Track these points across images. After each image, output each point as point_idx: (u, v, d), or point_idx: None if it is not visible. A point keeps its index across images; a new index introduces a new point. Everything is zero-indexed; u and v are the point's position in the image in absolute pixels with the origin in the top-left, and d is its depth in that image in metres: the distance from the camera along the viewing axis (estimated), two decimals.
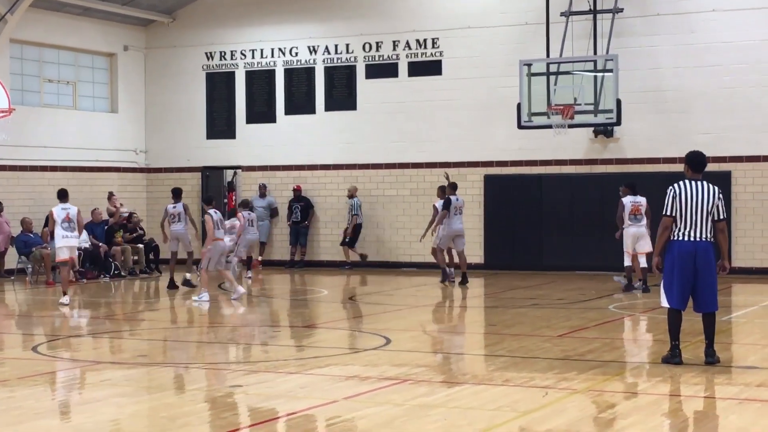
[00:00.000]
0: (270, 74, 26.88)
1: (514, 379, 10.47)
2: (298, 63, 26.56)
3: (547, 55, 22.53)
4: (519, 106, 21.90)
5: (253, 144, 27.01)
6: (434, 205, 21.13)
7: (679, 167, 21.12)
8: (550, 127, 22.11)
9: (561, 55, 22.48)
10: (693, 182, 10.88)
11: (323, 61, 26.28)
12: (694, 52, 22.96)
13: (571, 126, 22.06)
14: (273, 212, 26.66)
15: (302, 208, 26.18)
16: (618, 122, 21.73)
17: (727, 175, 22.43)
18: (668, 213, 10.84)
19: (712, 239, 10.84)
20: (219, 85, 27.37)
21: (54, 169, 25.46)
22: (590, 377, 10.46)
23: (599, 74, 21.83)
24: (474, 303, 18.97)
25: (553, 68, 22.02)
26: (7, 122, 22.81)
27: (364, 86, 25.86)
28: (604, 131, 23.43)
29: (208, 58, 27.47)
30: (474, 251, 23.92)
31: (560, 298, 18.14)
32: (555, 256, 23.79)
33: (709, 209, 10.77)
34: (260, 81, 26.98)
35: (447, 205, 20.37)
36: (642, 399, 9.40)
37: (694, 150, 11.25)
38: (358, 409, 9.12)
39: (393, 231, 25.59)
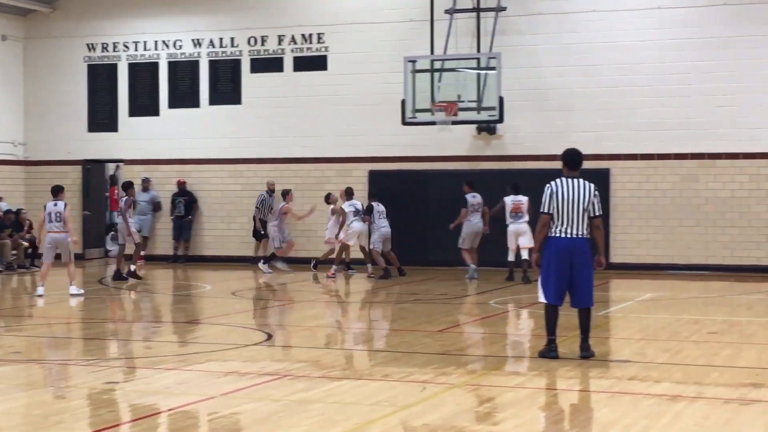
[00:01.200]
0: (153, 67, 26.54)
1: (393, 374, 10.53)
2: (182, 56, 26.28)
3: (432, 52, 22.72)
4: (403, 102, 22.04)
5: (136, 137, 26.64)
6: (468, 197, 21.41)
7: (560, 164, 21.66)
8: (434, 123, 22.33)
9: (445, 52, 22.70)
10: (569, 180, 11.02)
11: (208, 54, 26.05)
12: (575, 51, 23.37)
13: (454, 123, 22.31)
14: (156, 206, 26.33)
15: (186, 202, 25.93)
16: (500, 120, 22.02)
17: (606, 172, 22.91)
18: (545, 210, 10.97)
19: (589, 236, 10.99)
20: (101, 77, 26.92)
21: None
22: (468, 371, 10.59)
23: (482, 72, 22.11)
24: (357, 298, 19.02)
25: (437, 65, 22.22)
26: None
27: (249, 80, 25.71)
28: (487, 128, 23.69)
29: (89, 50, 27.00)
30: (357, 246, 23.92)
31: (442, 294, 18.31)
32: (439, 251, 23.98)
33: (585, 206, 10.88)
34: (143, 74, 26.62)
35: (465, 203, 21.14)
36: (519, 392, 9.54)
37: (569, 148, 11.39)
38: (236, 405, 9.08)
39: None
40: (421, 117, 22.16)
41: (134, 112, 26.67)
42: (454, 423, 8.27)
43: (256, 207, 24.92)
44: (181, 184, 25.97)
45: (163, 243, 26.40)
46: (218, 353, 12.05)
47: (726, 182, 22.63)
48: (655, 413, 8.59)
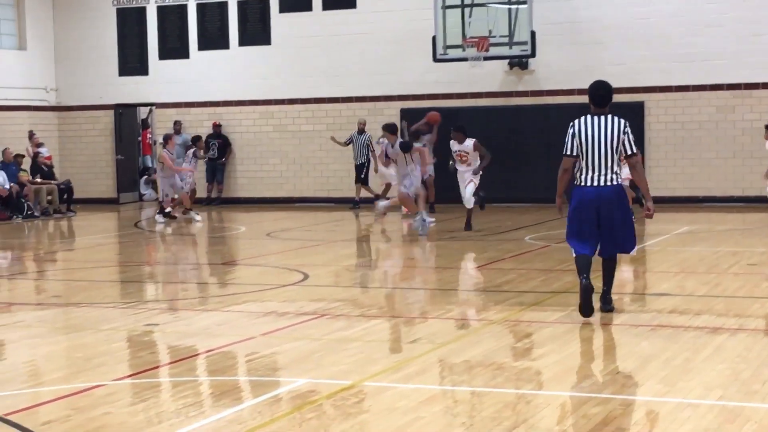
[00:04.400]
0: (182, 9, 26.41)
1: (431, 311, 10.52)
2: None
3: None
4: (434, 38, 21.85)
5: (167, 81, 26.60)
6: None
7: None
8: (465, 59, 22.12)
9: None
10: (596, 117, 9.64)
11: None
12: None
13: (486, 58, 22.10)
14: (189, 149, 26.29)
15: (220, 144, 25.92)
16: (533, 54, 21.81)
17: (641, 105, 22.66)
18: (568, 152, 9.66)
19: (619, 181, 9.69)
20: (130, 21, 26.83)
21: None
22: (506, 308, 10.56)
23: (513, 6, 21.87)
24: (391, 237, 19.00)
25: (467, 0, 21.96)
26: None
27: (278, 20, 25.54)
28: (519, 63, 23.47)
29: None
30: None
31: (478, 230, 18.26)
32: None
33: (615, 146, 9.54)
34: (172, 16, 26.50)
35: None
36: (557, 328, 9.51)
37: (595, 80, 9.96)
38: (276, 344, 9.11)
39: (310, 167, 25.46)
40: (453, 53, 21.99)
41: (164, 55, 26.60)
42: (494, 359, 8.26)
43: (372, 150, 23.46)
44: (216, 127, 25.94)
45: (197, 185, 26.42)
46: (256, 294, 12.09)
47: (763, 113, 22.31)
48: (696, 346, 8.54)
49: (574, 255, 9.85)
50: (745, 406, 6.75)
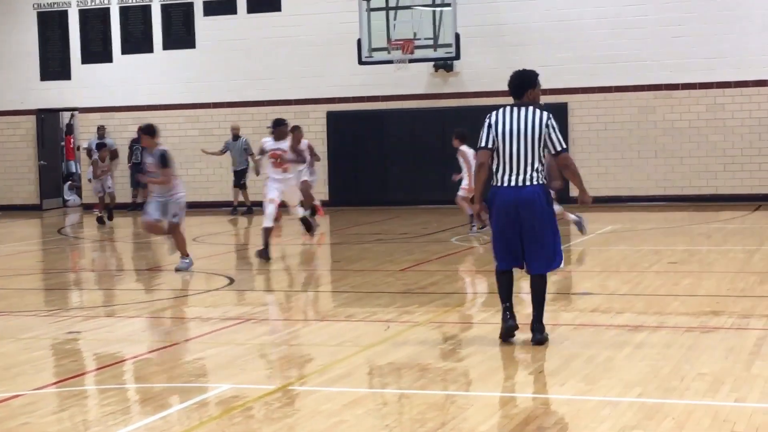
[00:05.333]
0: (105, 12, 26.14)
1: (356, 314, 10.53)
2: (134, 1, 25.89)
3: None
4: (359, 41, 21.87)
5: (90, 85, 26.30)
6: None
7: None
8: (390, 62, 22.19)
9: None
10: (514, 109, 8.59)
11: None
12: None
13: (411, 61, 22.18)
14: (113, 154, 26.03)
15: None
16: (457, 56, 21.94)
17: (564, 106, 22.91)
18: (483, 144, 8.58)
19: (541, 181, 8.57)
20: (51, 25, 26.49)
21: None
22: (431, 309, 10.61)
23: (438, 9, 21.98)
24: (318, 240, 18.97)
25: (392, 3, 22.07)
26: None
27: (202, 23, 25.40)
28: (444, 65, 23.60)
29: None
30: (318, 188, 23.87)
31: (404, 233, 18.32)
32: (399, 190, 23.96)
33: (536, 141, 8.46)
34: (94, 20, 26.22)
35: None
36: (482, 328, 9.57)
37: (516, 70, 8.96)
38: (200, 350, 9.05)
39: None
40: (378, 56, 22.04)
41: (87, 59, 26.30)
42: (419, 360, 8.29)
43: (250, 153, 23.28)
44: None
45: (121, 191, 26.16)
46: (180, 299, 11.99)
47: (683, 113, 22.71)
48: (617, 343, 8.65)
49: (498, 269, 8.82)
50: (664, 402, 6.85)
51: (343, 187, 24.46)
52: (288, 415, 6.87)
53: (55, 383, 8.03)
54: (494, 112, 8.65)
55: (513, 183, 8.52)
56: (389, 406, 7.11)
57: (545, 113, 8.58)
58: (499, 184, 8.58)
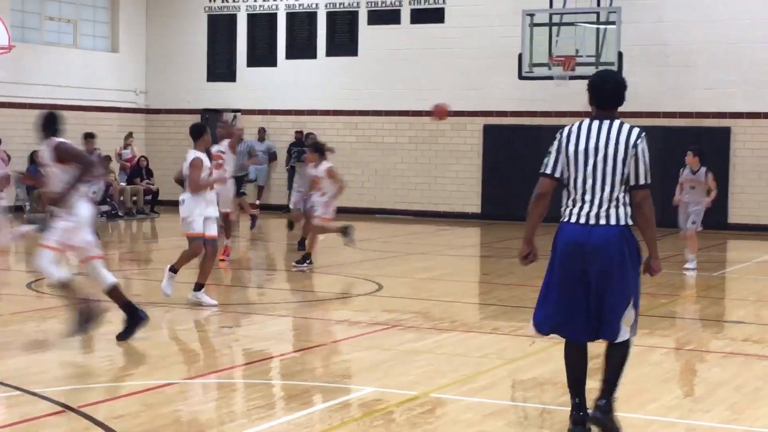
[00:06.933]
0: (272, 18, 26.76)
1: (502, 327, 10.55)
2: (300, 7, 26.43)
3: (550, 6, 22.42)
4: (520, 56, 21.85)
5: (254, 87, 26.96)
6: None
7: (680, 122, 21.09)
8: (551, 78, 22.10)
9: (564, 5, 22.38)
10: (595, 122, 6.43)
11: (325, 5, 26.15)
12: (698, 5, 22.84)
13: (572, 78, 22.01)
14: (271, 156, 26.65)
15: (301, 152, 26.12)
16: None
17: (727, 131, 22.37)
18: (547, 170, 6.59)
19: (626, 221, 6.34)
20: (220, 28, 27.26)
21: (54, 107, 25.18)
22: None
23: (602, 26, 21.78)
24: (468, 252, 19.03)
25: (555, 19, 21.96)
26: (6, 59, 22.78)
27: (365, 32, 25.76)
28: None
29: (210, 0, 27.35)
30: (471, 200, 24.02)
31: None
32: (552, 206, 23.70)
33: (620, 164, 6.29)
34: (262, 24, 26.87)
35: None
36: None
37: (600, 71, 6.80)
38: (347, 352, 9.21)
39: (391, 179, 25.60)
40: (538, 71, 21.98)
41: (252, 62, 26.97)
42: (562, 377, 8.22)
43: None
44: (299, 134, 26.18)
45: (278, 193, 26.73)
46: (330, 302, 12.20)
47: None
48: (767, 375, 8.46)
49: (534, 331, 6.69)
50: None
51: (496, 200, 24.44)
52: (428, 422, 6.95)
53: (205, 374, 8.29)
54: (567, 128, 6.54)
55: (583, 219, 6.44)
56: (530, 420, 7.12)
57: (636, 130, 6.37)
58: (567, 219, 6.54)
